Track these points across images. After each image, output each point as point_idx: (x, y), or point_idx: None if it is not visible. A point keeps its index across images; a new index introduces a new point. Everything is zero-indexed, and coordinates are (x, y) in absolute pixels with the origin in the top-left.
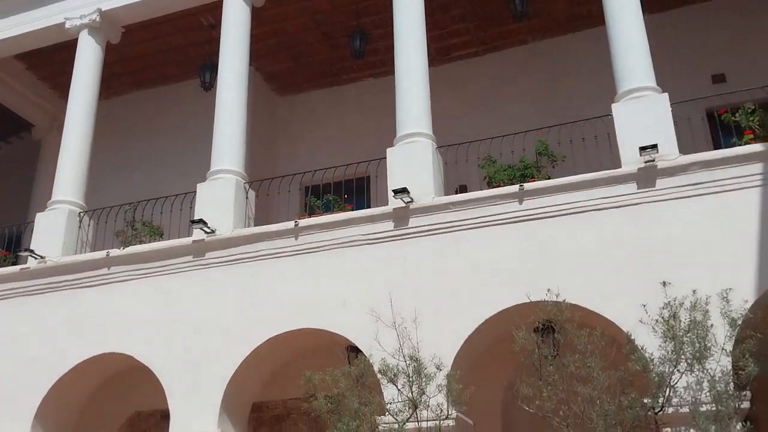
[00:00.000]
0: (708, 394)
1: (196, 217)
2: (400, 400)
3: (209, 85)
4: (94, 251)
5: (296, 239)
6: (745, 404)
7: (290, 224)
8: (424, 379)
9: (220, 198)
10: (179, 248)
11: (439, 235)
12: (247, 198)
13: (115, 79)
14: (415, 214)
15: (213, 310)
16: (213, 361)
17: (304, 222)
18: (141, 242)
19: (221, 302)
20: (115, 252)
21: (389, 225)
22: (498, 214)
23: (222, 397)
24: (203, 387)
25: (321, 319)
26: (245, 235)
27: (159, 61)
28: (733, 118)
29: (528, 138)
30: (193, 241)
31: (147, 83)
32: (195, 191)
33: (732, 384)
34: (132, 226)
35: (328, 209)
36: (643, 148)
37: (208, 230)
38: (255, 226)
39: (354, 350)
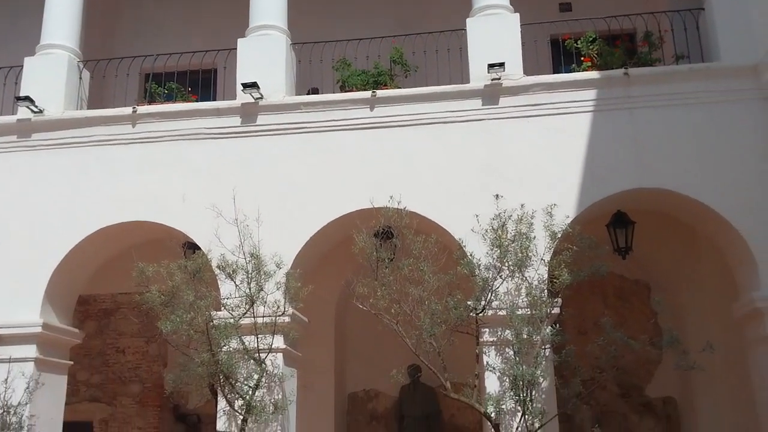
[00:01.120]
0: (525, 299)
1: (22, 94)
2: (237, 296)
3: None
4: None
5: (134, 127)
6: (556, 310)
7: (127, 110)
8: (263, 276)
9: (50, 75)
10: (2, 127)
11: (287, 135)
12: (80, 78)
13: None
14: (265, 111)
15: (39, 196)
16: (37, 249)
17: (143, 109)
18: None
19: (49, 188)
20: None
21: (236, 120)
22: (349, 119)
23: (46, 286)
24: (26, 276)
25: (157, 213)
26: (77, 118)
27: None
28: (575, 45)
29: (384, 45)
30: (18, 120)
31: None
32: (22, 66)
33: (546, 291)
34: None
35: (170, 99)
36: (491, 65)
37: (35, 109)
38: (89, 109)
39: (192, 247)
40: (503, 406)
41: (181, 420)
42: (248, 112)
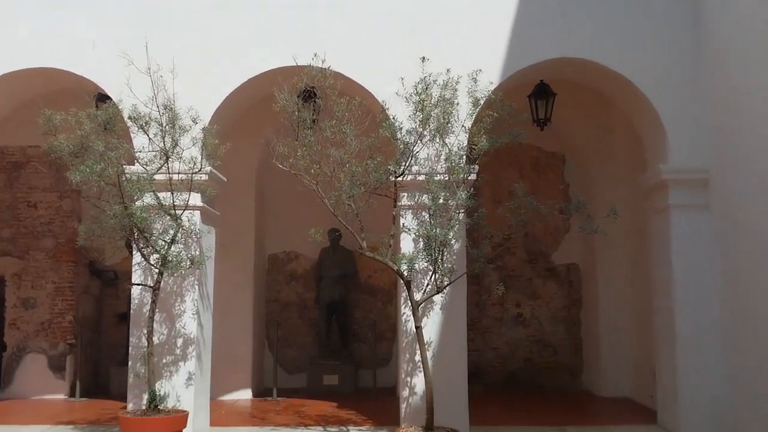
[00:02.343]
0: (444, 164)
1: None
2: (151, 150)
3: None
4: None
5: None
6: (473, 176)
7: None
8: (178, 131)
9: None
10: None
11: None
12: None
13: None
14: None
15: None
16: None
17: None
18: None
19: None
20: None
21: None
22: None
23: None
24: None
25: (64, 59)
26: None
27: None
28: None
29: None
30: None
31: None
32: None
33: (465, 157)
34: None
35: None
36: None
37: None
38: None
39: (103, 98)
40: (416, 265)
41: (96, 275)
42: None
